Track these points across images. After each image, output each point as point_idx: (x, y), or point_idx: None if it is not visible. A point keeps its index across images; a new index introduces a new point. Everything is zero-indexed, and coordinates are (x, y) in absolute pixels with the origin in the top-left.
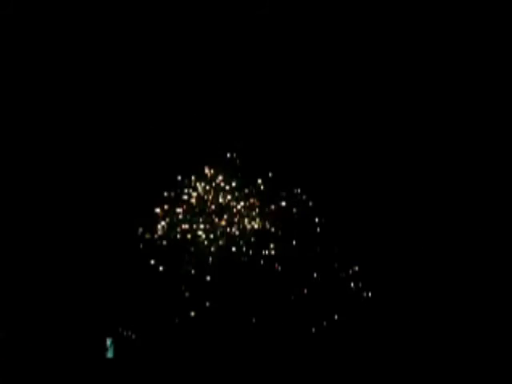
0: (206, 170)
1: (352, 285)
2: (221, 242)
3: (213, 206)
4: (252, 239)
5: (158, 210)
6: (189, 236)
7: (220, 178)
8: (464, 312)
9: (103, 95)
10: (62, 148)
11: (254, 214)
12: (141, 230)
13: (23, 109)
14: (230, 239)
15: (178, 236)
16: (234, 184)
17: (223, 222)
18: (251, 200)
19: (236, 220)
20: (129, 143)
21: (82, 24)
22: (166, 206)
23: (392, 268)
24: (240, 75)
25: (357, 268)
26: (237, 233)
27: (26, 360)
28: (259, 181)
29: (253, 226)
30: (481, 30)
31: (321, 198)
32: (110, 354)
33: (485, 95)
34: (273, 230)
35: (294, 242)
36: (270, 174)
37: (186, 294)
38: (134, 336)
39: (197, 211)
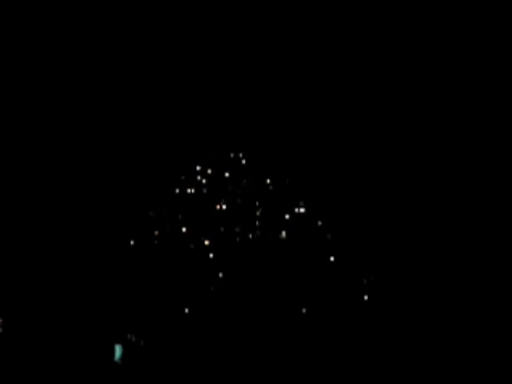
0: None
1: (366, 297)
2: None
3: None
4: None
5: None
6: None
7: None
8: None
9: (102, 92)
10: (51, 143)
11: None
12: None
13: (23, 108)
14: (239, 246)
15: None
16: (239, 185)
17: (236, 229)
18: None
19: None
20: (123, 140)
21: (82, 24)
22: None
23: (401, 275)
24: (240, 75)
25: (372, 277)
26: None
27: (32, 365)
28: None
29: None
30: (481, 30)
31: (333, 203)
32: (117, 360)
33: (485, 95)
34: (284, 235)
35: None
36: (286, 181)
37: (194, 301)
38: (142, 342)
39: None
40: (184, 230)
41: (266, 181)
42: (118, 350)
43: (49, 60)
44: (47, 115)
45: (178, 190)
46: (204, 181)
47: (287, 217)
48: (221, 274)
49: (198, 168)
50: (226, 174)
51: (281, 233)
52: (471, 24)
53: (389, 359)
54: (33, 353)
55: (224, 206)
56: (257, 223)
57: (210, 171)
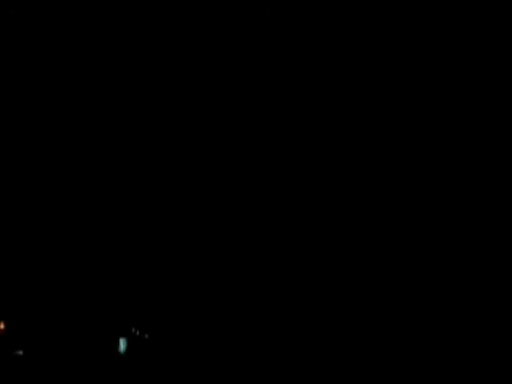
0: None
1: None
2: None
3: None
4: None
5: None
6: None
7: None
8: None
9: (103, 94)
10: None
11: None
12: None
13: (23, 108)
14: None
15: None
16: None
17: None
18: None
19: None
20: (123, 140)
21: (82, 24)
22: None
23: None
24: (240, 75)
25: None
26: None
27: (36, 358)
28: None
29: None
30: (481, 30)
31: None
32: (122, 353)
33: (485, 96)
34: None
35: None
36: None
37: (196, 296)
38: (147, 336)
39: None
40: (185, 228)
41: (265, 181)
42: (122, 344)
43: (49, 60)
44: (47, 115)
45: (176, 190)
46: (203, 181)
47: (287, 217)
48: (222, 270)
49: (197, 168)
50: (225, 175)
51: (281, 233)
52: (471, 24)
53: (389, 359)
54: (38, 346)
55: (222, 206)
56: (256, 223)
57: (208, 172)
